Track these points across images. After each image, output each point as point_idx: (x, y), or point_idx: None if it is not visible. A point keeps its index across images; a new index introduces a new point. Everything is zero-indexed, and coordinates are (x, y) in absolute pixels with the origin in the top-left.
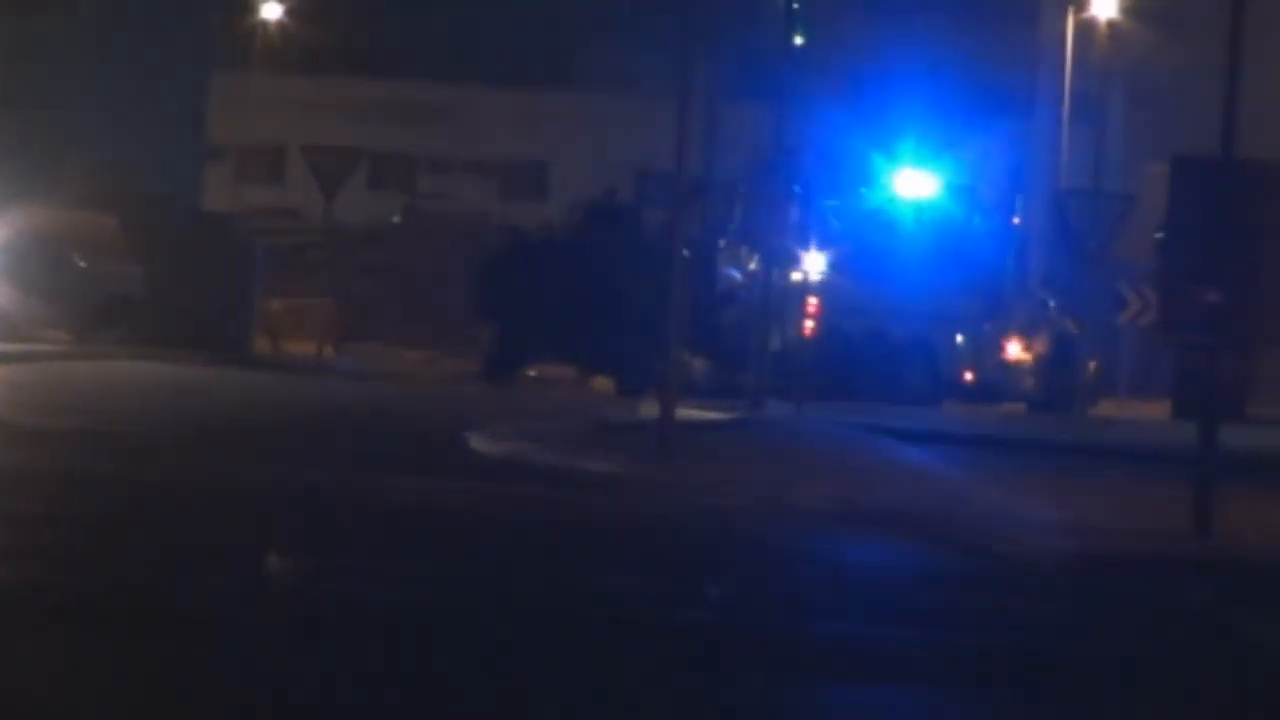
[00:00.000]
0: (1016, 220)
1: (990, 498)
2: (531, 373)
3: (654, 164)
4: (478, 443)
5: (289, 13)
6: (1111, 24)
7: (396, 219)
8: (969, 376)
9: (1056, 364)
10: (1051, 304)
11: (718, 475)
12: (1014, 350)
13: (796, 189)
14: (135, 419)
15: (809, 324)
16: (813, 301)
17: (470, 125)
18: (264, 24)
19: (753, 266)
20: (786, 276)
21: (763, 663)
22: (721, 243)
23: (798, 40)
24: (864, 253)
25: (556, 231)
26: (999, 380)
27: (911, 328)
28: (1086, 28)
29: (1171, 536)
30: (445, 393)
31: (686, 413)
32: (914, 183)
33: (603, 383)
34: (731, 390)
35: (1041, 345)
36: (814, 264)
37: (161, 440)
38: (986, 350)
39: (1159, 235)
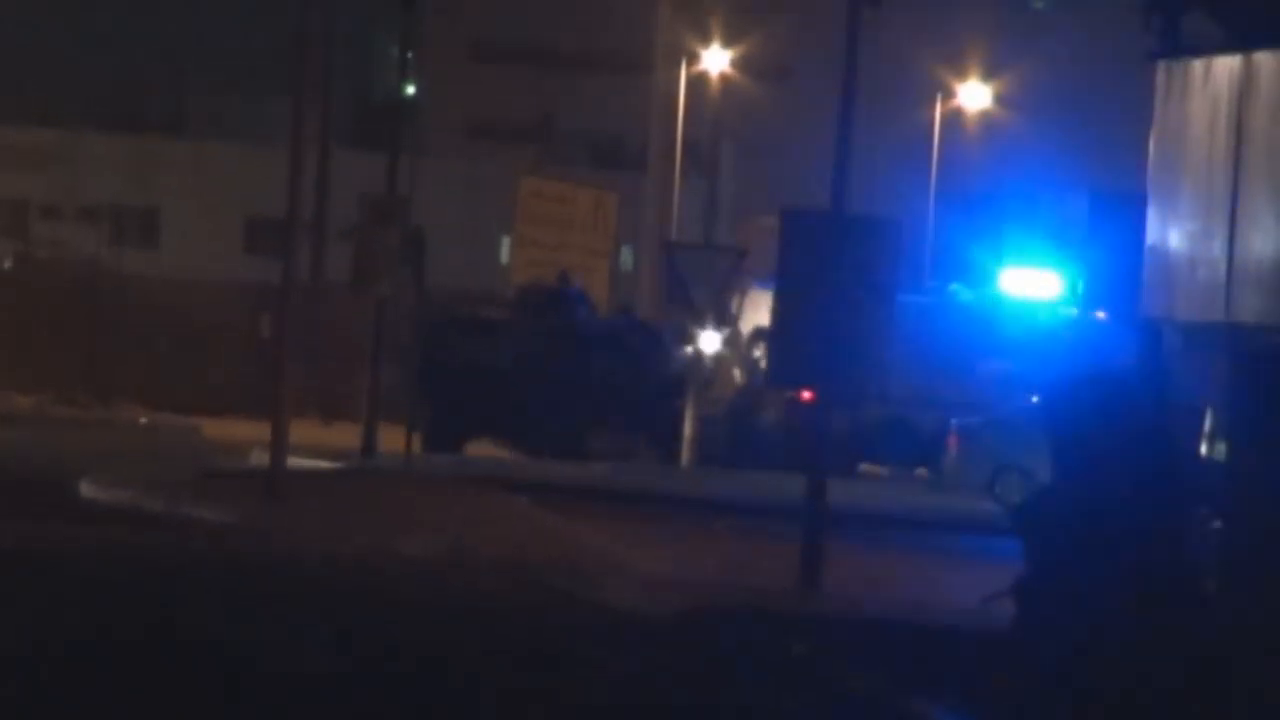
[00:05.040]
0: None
1: (602, 549)
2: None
3: (266, 210)
4: (88, 489)
5: None
6: (723, 77)
7: (8, 265)
8: None
9: None
10: None
11: (327, 523)
12: None
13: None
14: None
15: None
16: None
17: (82, 171)
18: None
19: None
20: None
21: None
22: (673, 320)
23: (409, 90)
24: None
25: (494, 312)
26: None
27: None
28: (698, 82)
29: (781, 591)
30: (57, 438)
31: (296, 462)
32: (1017, 281)
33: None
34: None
35: None
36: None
37: None
38: None
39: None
